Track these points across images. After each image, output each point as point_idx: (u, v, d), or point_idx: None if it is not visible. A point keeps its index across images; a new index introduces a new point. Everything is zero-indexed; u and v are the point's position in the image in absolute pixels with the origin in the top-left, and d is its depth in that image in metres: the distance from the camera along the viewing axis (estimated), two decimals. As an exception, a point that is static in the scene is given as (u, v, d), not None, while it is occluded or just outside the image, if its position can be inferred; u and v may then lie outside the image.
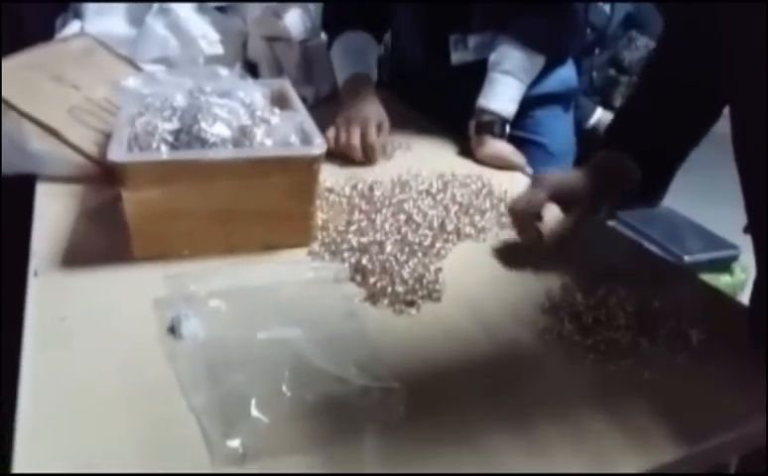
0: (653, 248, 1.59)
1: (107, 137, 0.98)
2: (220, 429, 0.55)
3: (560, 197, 0.81)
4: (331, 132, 1.13)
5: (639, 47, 2.21)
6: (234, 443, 0.54)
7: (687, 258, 1.85)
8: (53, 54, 1.15)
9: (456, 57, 1.24)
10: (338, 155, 1.11)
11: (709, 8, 0.72)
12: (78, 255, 0.81)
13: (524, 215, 0.82)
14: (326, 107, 1.35)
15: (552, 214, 0.81)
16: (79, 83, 1.09)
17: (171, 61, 1.34)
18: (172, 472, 0.52)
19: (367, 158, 1.11)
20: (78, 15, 1.41)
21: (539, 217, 0.80)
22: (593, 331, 0.69)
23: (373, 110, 1.16)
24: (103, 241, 0.83)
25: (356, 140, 1.11)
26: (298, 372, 0.59)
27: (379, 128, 1.14)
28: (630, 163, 0.83)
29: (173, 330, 0.67)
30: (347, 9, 1.30)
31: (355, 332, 0.67)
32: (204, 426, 0.55)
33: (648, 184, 0.85)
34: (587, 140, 1.88)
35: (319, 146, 0.83)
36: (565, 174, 0.85)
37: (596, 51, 2.24)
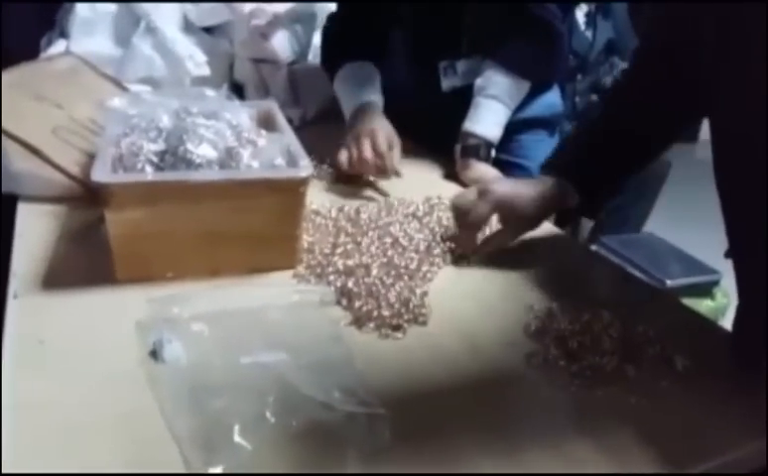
0: (635, 272, 1.60)
1: (91, 157, 0.97)
2: (203, 456, 0.54)
3: (501, 212, 0.88)
4: (344, 154, 1.11)
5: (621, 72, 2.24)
6: (217, 470, 0.53)
7: (669, 282, 1.87)
8: (37, 72, 1.15)
9: (447, 83, 1.25)
10: (353, 177, 1.10)
11: (692, 23, 0.74)
12: (60, 277, 0.80)
13: (467, 225, 0.89)
14: (314, 129, 1.36)
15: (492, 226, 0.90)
16: (63, 103, 1.08)
17: (157, 82, 1.33)
18: (152, 500, 0.51)
19: (380, 171, 1.09)
20: (64, 34, 1.40)
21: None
22: (579, 356, 0.69)
23: (381, 126, 1.14)
24: (85, 262, 0.82)
25: (368, 153, 1.08)
26: (282, 398, 0.59)
27: (390, 144, 1.11)
28: (570, 188, 0.88)
29: (154, 354, 0.66)
30: (347, 42, 1.28)
31: (341, 357, 0.66)
32: (186, 453, 0.54)
33: (584, 209, 0.93)
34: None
35: (305, 168, 0.83)
36: (510, 189, 0.89)
37: (579, 76, 2.27)
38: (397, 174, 1.10)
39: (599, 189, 0.91)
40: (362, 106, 1.19)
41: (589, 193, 0.90)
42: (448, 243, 0.91)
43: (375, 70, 1.26)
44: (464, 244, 0.90)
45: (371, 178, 1.12)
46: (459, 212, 0.90)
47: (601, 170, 0.88)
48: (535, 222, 0.90)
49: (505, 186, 0.89)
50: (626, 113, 0.88)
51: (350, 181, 1.12)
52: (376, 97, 1.22)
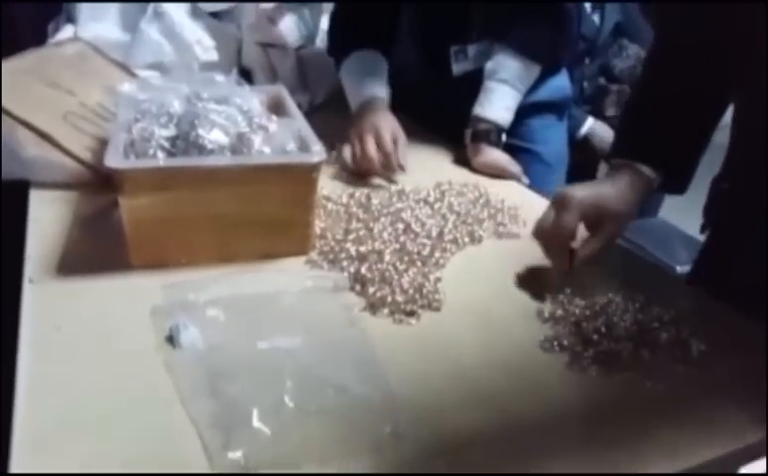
0: (645, 258, 1.59)
1: (102, 143, 0.97)
2: (221, 441, 0.54)
3: (589, 216, 0.78)
4: (347, 151, 1.10)
5: (630, 55, 2.22)
6: (236, 455, 0.53)
7: (678, 268, 1.86)
8: (47, 59, 1.14)
9: (457, 67, 1.24)
10: (358, 173, 1.08)
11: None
12: (74, 262, 0.80)
13: (556, 241, 0.79)
14: (322, 114, 1.35)
15: (582, 236, 0.79)
16: (74, 89, 1.08)
17: (165, 67, 1.33)
18: (172, 482, 0.51)
19: (386, 169, 1.07)
20: (71, 19, 1.40)
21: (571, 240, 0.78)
22: (594, 342, 0.69)
23: (386, 121, 1.12)
24: (99, 248, 0.82)
25: (372, 150, 1.06)
26: (300, 383, 0.59)
27: (394, 140, 1.09)
28: (646, 169, 0.80)
29: (171, 340, 0.66)
30: (354, 28, 1.26)
31: (356, 342, 0.67)
32: (205, 438, 0.55)
33: (671, 182, 0.83)
34: (579, 149, 1.89)
35: (318, 154, 0.82)
36: (591, 190, 0.79)
37: (587, 60, 2.26)
38: (401, 168, 1.08)
39: (680, 161, 0.83)
40: (367, 101, 1.17)
41: (672, 168, 0.82)
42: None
43: (382, 60, 1.24)
44: (560, 263, 0.80)
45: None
46: (544, 234, 0.80)
47: (675, 140, 0.81)
48: (627, 218, 0.81)
49: (584, 190, 0.79)
50: (679, 71, 0.81)
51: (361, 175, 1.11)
52: (382, 91, 1.20)
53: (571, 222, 0.77)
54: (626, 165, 0.81)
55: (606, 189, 0.79)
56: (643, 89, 0.89)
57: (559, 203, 0.78)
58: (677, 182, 0.83)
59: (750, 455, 0.60)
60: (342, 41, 1.28)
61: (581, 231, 0.79)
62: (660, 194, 2.20)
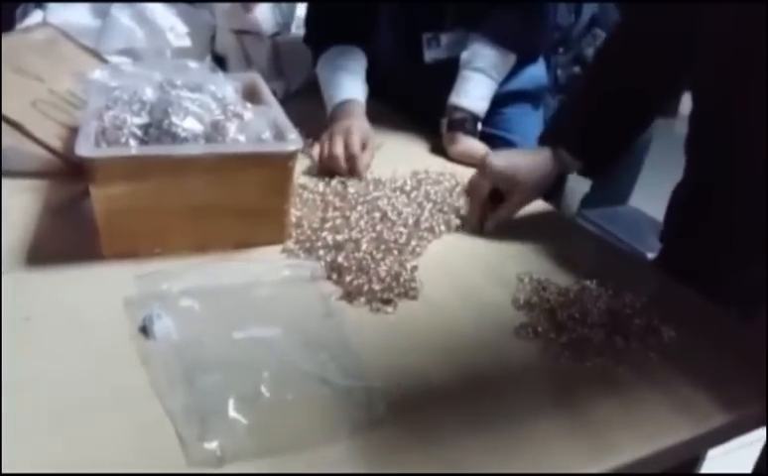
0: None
1: (73, 131, 0.96)
2: (197, 432, 0.54)
3: (501, 185, 0.89)
4: (316, 149, 1.09)
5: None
6: (212, 446, 0.53)
7: (650, 255, 1.89)
8: (14, 45, 1.11)
9: (429, 55, 1.24)
10: (325, 170, 1.07)
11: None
12: (44, 253, 0.79)
13: (471, 199, 0.92)
14: (298, 102, 1.34)
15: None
16: (43, 75, 1.05)
17: (137, 54, 1.30)
18: (148, 475, 0.51)
19: (351, 170, 1.06)
20: (40, 4, 1.36)
21: (488, 201, 0.90)
22: (568, 328, 0.70)
23: (358, 125, 1.11)
24: (70, 238, 0.81)
25: (339, 150, 1.05)
26: (276, 372, 0.59)
27: (364, 145, 1.08)
28: (567, 157, 0.91)
29: (144, 330, 0.65)
30: (332, 21, 1.24)
31: (333, 331, 0.66)
32: (180, 429, 0.54)
33: (590, 172, 0.95)
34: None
35: (294, 142, 0.82)
36: (508, 161, 0.91)
37: (561, 50, 2.27)
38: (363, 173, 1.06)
39: (598, 152, 0.92)
40: (343, 103, 1.16)
41: (589, 157, 0.91)
42: (449, 215, 0.93)
43: (360, 57, 1.22)
44: (470, 218, 0.92)
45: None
46: (466, 191, 0.93)
47: (597, 131, 0.90)
48: (536, 192, 0.93)
49: (503, 159, 0.91)
50: (615, 68, 0.89)
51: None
52: (358, 93, 1.18)
53: (484, 186, 0.89)
54: (552, 150, 0.91)
55: (523, 161, 0.91)
56: (583, 81, 0.95)
57: (479, 167, 0.91)
58: (593, 172, 0.97)
59: (717, 438, 0.62)
60: (320, 33, 1.26)
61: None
62: (629, 181, 2.26)
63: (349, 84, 1.19)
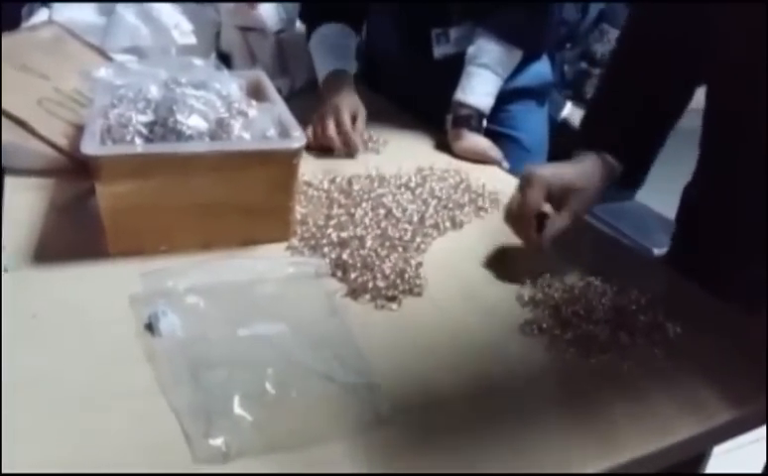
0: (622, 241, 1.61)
1: (78, 129, 0.96)
2: (202, 428, 0.54)
3: (554, 192, 0.79)
4: (309, 130, 1.13)
5: (611, 40, 2.23)
6: (217, 442, 0.53)
7: (656, 251, 1.89)
8: (20, 43, 1.12)
9: (439, 50, 1.24)
10: (319, 149, 1.11)
11: None
12: (50, 251, 0.79)
13: (522, 219, 0.79)
14: (302, 99, 1.34)
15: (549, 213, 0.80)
16: (48, 73, 1.06)
17: (142, 51, 1.31)
18: (153, 472, 0.51)
19: (346, 146, 1.11)
20: (45, 2, 1.37)
21: (538, 217, 0.79)
22: (573, 325, 0.70)
23: (346, 101, 1.16)
24: (76, 236, 0.81)
25: (331, 130, 1.11)
26: (281, 369, 0.59)
27: (354, 118, 1.13)
28: (609, 159, 0.83)
29: (150, 327, 0.66)
30: (325, 0, 1.28)
31: (338, 329, 0.67)
32: (186, 425, 0.55)
33: (629, 175, 0.86)
34: (558, 134, 1.90)
35: (298, 139, 0.82)
36: (555, 169, 0.81)
37: (568, 45, 2.26)
38: (362, 144, 1.12)
39: (643, 157, 0.86)
40: (332, 74, 1.21)
41: (635, 163, 0.85)
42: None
43: (351, 34, 1.27)
44: (529, 240, 0.80)
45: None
46: (512, 214, 0.81)
47: (632, 132, 0.84)
48: (592, 196, 0.82)
49: (549, 169, 0.81)
50: (641, 68, 0.84)
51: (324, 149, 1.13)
52: (347, 64, 1.24)
53: (536, 198, 0.78)
54: (590, 153, 0.83)
55: (571, 169, 0.81)
56: (606, 83, 0.92)
57: (524, 181, 0.79)
58: (634, 177, 0.87)
59: (723, 435, 0.61)
60: (314, 12, 1.30)
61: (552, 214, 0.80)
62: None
63: (339, 57, 1.24)
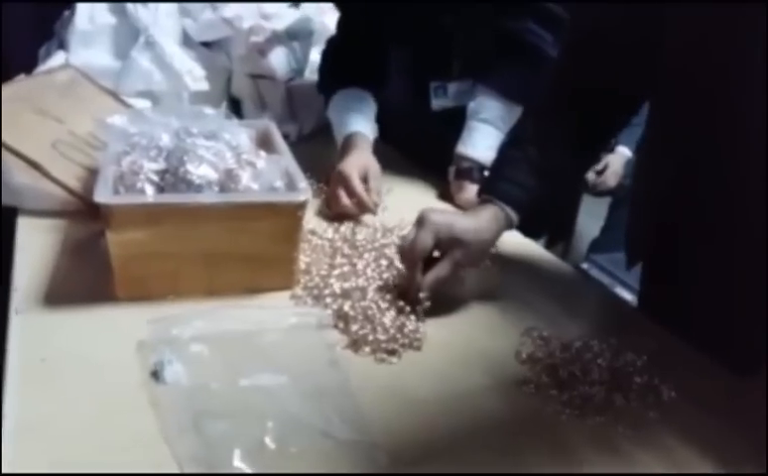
0: (626, 294, 1.63)
1: (91, 172, 0.99)
2: (203, 480, 0.55)
3: (440, 241, 0.81)
4: (327, 201, 1.12)
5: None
6: (217, 494, 0.54)
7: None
8: (37, 86, 1.16)
9: (437, 103, 1.27)
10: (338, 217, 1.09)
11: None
12: (61, 293, 0.81)
13: (408, 257, 0.82)
14: (310, 144, 1.38)
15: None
16: (63, 117, 1.09)
17: (155, 95, 1.34)
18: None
19: (362, 210, 1.09)
20: (63, 45, 1.41)
21: (427, 261, 0.82)
22: (569, 386, 0.71)
23: (354, 162, 1.13)
24: (86, 279, 0.83)
25: (344, 199, 1.08)
26: (281, 423, 0.60)
27: (365, 178, 1.11)
28: (509, 210, 0.87)
29: (155, 375, 0.67)
30: (342, 68, 1.30)
31: (338, 383, 0.68)
32: (188, 474, 0.56)
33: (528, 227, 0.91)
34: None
35: (303, 192, 0.84)
36: (446, 217, 0.84)
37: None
38: (375, 205, 1.10)
39: (541, 205, 0.90)
40: (348, 137, 1.20)
41: (527, 210, 0.89)
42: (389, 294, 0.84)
43: (369, 99, 1.27)
44: (410, 279, 0.82)
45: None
46: (402, 250, 0.84)
47: (535, 185, 0.88)
48: (478, 250, 0.85)
49: (442, 215, 0.84)
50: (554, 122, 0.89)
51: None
52: (363, 126, 1.22)
53: (424, 241, 0.80)
54: (491, 201, 0.87)
55: (463, 221, 0.85)
56: (515, 133, 0.97)
57: (417, 222, 0.82)
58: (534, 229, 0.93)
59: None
60: (332, 79, 1.31)
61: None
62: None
63: (354, 118, 1.23)
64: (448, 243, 0.82)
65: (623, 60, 0.83)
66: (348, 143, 1.19)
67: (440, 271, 0.82)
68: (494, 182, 0.92)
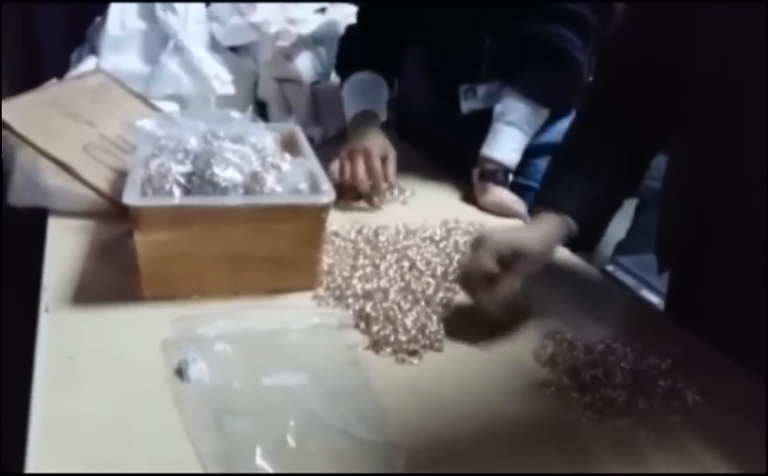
0: (652, 296, 1.61)
1: (120, 174, 1.01)
2: (225, 477, 0.56)
3: (502, 258, 0.79)
4: (335, 164, 1.15)
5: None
6: (238, 491, 0.55)
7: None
8: (68, 90, 1.19)
9: (466, 106, 1.27)
10: (344, 187, 1.12)
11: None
12: (89, 292, 0.83)
13: (471, 280, 0.80)
14: (334, 146, 1.38)
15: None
16: (94, 120, 1.12)
17: (183, 99, 1.37)
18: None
19: (373, 189, 1.11)
20: (94, 50, 1.45)
21: (490, 280, 0.79)
22: (591, 388, 0.70)
23: (377, 142, 1.18)
24: (113, 278, 0.85)
25: (361, 172, 1.11)
26: (302, 422, 0.61)
27: (384, 160, 1.14)
28: (569, 220, 0.85)
29: (180, 373, 0.68)
30: (360, 51, 1.34)
31: (359, 383, 0.68)
32: (210, 473, 0.57)
33: (583, 237, 0.88)
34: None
35: (327, 194, 0.85)
36: (505, 234, 0.84)
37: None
38: (391, 186, 1.12)
39: (598, 217, 0.90)
40: (361, 114, 1.24)
41: (589, 223, 0.87)
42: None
43: (382, 83, 1.32)
44: (479, 302, 0.80)
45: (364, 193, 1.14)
46: (463, 276, 0.82)
47: (594, 196, 0.86)
48: (541, 259, 0.83)
49: (501, 233, 0.84)
50: (609, 128, 0.87)
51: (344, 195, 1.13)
52: (377, 108, 1.27)
53: (483, 262, 0.78)
54: (547, 212, 0.86)
55: (523, 232, 0.85)
56: (570, 143, 0.95)
57: (475, 244, 0.81)
58: (589, 240, 0.91)
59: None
60: (348, 61, 1.36)
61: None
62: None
63: (369, 98, 1.28)
64: (511, 259, 0.79)
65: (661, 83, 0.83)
66: (360, 119, 1.23)
67: (507, 287, 0.79)
68: (551, 192, 0.90)
